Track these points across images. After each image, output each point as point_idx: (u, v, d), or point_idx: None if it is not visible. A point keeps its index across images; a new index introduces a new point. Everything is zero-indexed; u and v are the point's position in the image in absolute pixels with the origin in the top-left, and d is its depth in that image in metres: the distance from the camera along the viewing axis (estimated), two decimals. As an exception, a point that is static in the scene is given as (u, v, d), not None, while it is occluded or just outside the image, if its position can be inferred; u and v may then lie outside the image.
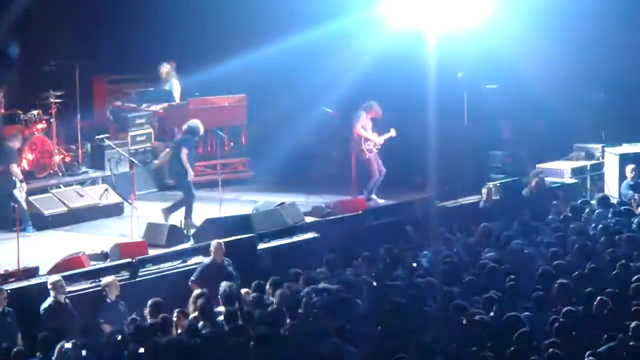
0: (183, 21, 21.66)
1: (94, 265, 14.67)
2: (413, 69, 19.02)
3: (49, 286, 13.25)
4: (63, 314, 13.09)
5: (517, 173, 19.92)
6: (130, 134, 19.68)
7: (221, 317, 12.49)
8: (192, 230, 16.49)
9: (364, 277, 13.86)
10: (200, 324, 12.22)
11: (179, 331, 12.21)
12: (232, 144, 20.87)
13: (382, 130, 18.97)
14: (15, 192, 16.98)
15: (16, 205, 16.38)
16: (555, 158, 20.56)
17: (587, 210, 17.09)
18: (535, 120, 21.95)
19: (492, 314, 11.99)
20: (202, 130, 17.46)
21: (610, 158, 19.96)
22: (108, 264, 14.76)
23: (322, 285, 13.34)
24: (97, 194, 18.23)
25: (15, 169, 17.15)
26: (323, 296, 12.79)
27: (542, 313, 11.99)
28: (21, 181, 17.18)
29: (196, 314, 12.58)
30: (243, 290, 13.56)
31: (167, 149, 18.20)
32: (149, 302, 12.81)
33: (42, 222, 17.29)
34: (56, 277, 13.48)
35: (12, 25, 18.82)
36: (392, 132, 18.86)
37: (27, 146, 18.07)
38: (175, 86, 20.76)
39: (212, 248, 14.59)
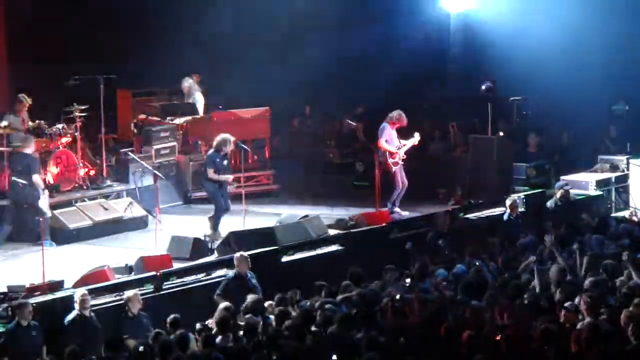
0: (206, 34, 21.74)
1: (119, 278, 14.69)
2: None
3: (76, 299, 13.25)
4: (87, 327, 13.10)
5: (541, 185, 19.84)
6: (155, 147, 19.68)
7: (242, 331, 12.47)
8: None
9: (388, 290, 13.78)
10: (219, 338, 12.20)
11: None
12: (255, 157, 20.88)
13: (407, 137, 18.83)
14: (40, 203, 16.86)
15: (41, 219, 16.42)
16: (579, 170, 20.48)
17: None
18: (560, 132, 21.87)
19: None
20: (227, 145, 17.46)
21: (636, 170, 19.85)
22: (132, 277, 14.76)
23: (340, 297, 13.30)
24: (121, 208, 18.24)
25: (37, 179, 16.88)
26: (342, 308, 12.73)
27: None
28: (43, 190, 16.94)
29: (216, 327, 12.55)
30: (266, 303, 13.54)
31: None
32: (168, 319, 12.74)
33: (67, 236, 17.29)
34: (82, 290, 13.46)
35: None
36: (416, 137, 18.68)
37: (52, 160, 18.16)
38: (199, 99, 20.82)
39: (236, 261, 14.55)
